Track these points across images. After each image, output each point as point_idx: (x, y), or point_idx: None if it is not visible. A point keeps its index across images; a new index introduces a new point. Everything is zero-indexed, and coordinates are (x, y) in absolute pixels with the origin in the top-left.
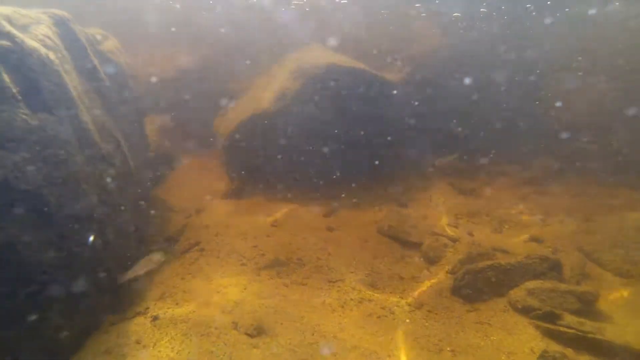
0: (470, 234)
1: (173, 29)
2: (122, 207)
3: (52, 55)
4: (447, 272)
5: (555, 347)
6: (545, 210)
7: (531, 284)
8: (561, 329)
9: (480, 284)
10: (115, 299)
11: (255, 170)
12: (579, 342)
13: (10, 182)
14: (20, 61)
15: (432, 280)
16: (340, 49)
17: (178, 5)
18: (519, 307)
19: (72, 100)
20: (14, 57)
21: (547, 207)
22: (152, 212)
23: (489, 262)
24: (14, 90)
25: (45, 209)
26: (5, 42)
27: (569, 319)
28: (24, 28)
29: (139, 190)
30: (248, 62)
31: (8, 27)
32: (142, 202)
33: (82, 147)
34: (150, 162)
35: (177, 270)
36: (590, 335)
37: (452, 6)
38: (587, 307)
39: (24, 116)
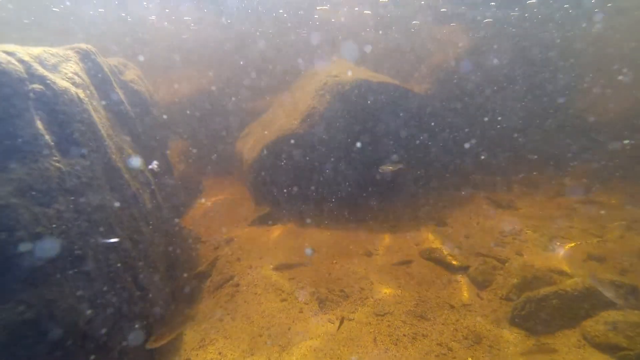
0: (520, 254)
1: (190, 50)
2: (153, 248)
3: (81, 94)
4: (501, 298)
5: None
6: (598, 223)
7: (610, 316)
8: None
9: (545, 313)
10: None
11: (283, 193)
12: None
13: (45, 240)
14: (53, 104)
15: (486, 309)
16: (362, 61)
17: (191, 23)
18: (599, 342)
19: (101, 140)
20: (47, 101)
21: (599, 218)
22: (180, 244)
23: (551, 289)
24: (47, 138)
25: (85, 267)
26: (38, 86)
27: None
28: (54, 67)
29: (167, 222)
30: (267, 79)
31: (40, 70)
32: (170, 235)
33: (114, 188)
34: (174, 189)
35: (213, 309)
36: None
37: (483, 11)
38: None
39: (57, 164)
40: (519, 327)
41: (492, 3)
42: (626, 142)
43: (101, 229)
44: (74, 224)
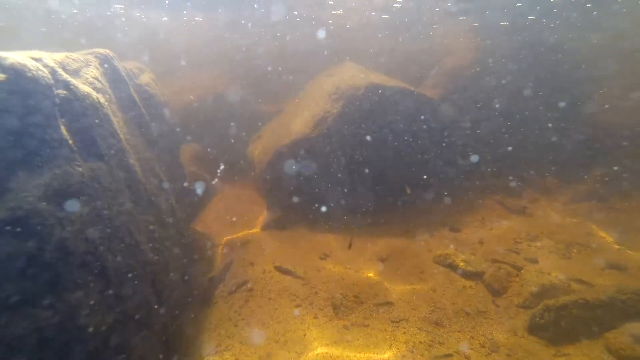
0: (535, 261)
1: (204, 53)
2: (169, 252)
3: (102, 99)
4: (517, 305)
5: None
6: (617, 229)
7: (635, 327)
8: None
9: (565, 323)
10: (167, 350)
11: (295, 198)
12: None
13: (68, 246)
14: (76, 109)
15: (503, 317)
16: (376, 65)
17: (204, 22)
18: (624, 355)
19: (120, 144)
20: (70, 106)
21: (617, 225)
22: (194, 248)
23: (571, 298)
24: (71, 142)
25: (105, 272)
26: (62, 92)
27: None
28: (75, 72)
29: (181, 226)
30: (280, 83)
31: (65, 75)
32: (184, 239)
33: (133, 193)
34: (187, 192)
35: (228, 314)
36: None
37: (498, 17)
38: None
39: (79, 169)
40: (538, 336)
41: (519, 4)
42: None
43: (120, 234)
44: (96, 229)
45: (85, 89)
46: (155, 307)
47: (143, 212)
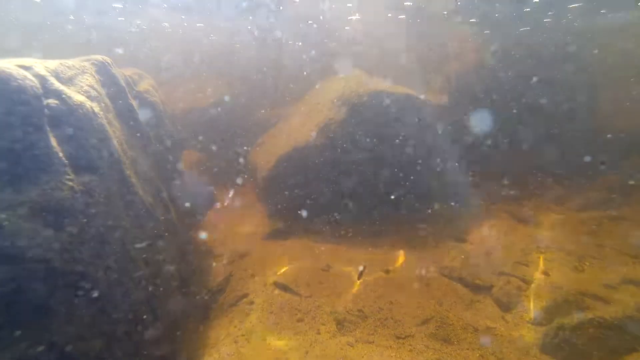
0: (546, 274)
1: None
2: (167, 265)
3: (96, 108)
4: (528, 322)
5: None
6: (630, 241)
7: None
8: None
9: (581, 343)
10: None
11: (298, 207)
12: None
13: (57, 267)
14: (68, 120)
15: (513, 334)
16: (380, 71)
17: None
18: None
19: (116, 155)
20: (62, 117)
21: (630, 236)
22: (194, 259)
23: (587, 315)
24: (61, 155)
25: (94, 293)
26: (53, 101)
27: None
28: (70, 80)
29: (180, 236)
30: (281, 89)
31: (56, 84)
32: (183, 249)
33: (127, 205)
34: (188, 201)
35: (227, 329)
36: None
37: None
38: None
39: (70, 183)
40: (552, 356)
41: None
42: None
43: (114, 250)
44: (86, 246)
45: (79, 98)
46: (151, 325)
47: (139, 225)
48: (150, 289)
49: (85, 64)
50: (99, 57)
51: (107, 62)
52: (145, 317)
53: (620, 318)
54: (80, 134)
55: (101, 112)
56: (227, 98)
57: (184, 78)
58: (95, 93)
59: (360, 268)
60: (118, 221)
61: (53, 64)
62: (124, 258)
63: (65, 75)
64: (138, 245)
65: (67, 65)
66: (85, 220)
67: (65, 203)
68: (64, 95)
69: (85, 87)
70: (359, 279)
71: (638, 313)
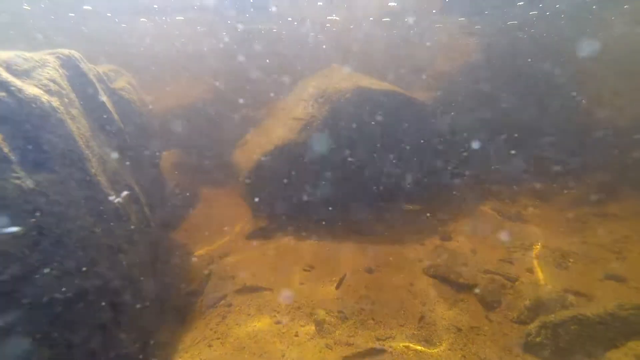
0: (531, 271)
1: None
2: (137, 268)
3: (55, 102)
4: (511, 320)
5: None
6: (614, 238)
7: (639, 346)
8: None
9: (563, 341)
10: None
11: (281, 206)
12: None
13: None
14: (17, 114)
15: (497, 333)
16: (365, 68)
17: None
18: None
19: (78, 152)
20: (9, 111)
21: (615, 232)
22: (171, 260)
23: (569, 313)
24: (6, 150)
25: (44, 298)
26: (0, 94)
27: None
28: (25, 73)
29: (156, 237)
30: (265, 87)
31: (4, 75)
32: (159, 251)
33: (90, 205)
34: (168, 201)
35: (203, 331)
36: None
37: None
38: None
39: (16, 181)
40: (534, 355)
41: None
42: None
43: (71, 253)
44: (37, 250)
45: (33, 91)
46: (115, 336)
47: (106, 227)
48: (116, 295)
49: (49, 57)
50: (65, 51)
51: (75, 57)
52: (110, 327)
53: (602, 315)
54: (33, 129)
55: (61, 107)
56: (211, 96)
57: (167, 76)
58: (56, 87)
59: (340, 278)
60: (78, 222)
61: (6, 55)
62: (85, 261)
63: (21, 67)
64: (103, 248)
65: (24, 57)
66: (33, 220)
67: (9, 201)
68: (12, 88)
69: (45, 81)
70: (337, 288)
71: (619, 310)
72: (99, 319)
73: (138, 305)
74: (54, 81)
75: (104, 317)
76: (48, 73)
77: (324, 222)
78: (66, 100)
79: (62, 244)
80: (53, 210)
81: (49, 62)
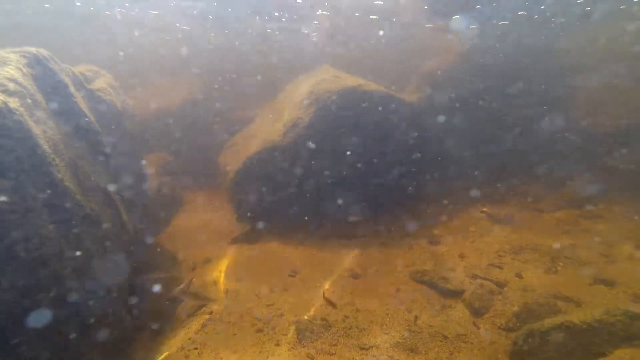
0: (519, 276)
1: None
2: (109, 277)
3: (14, 103)
4: (499, 328)
5: None
6: (604, 240)
7: (627, 354)
8: None
9: (550, 349)
10: None
11: (267, 209)
12: None
13: None
14: None
15: (484, 341)
16: (352, 67)
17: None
18: None
19: (41, 156)
20: None
21: (605, 235)
22: (151, 266)
23: (557, 320)
24: None
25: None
26: None
27: None
28: None
29: (134, 243)
30: (254, 88)
31: None
32: (139, 257)
33: (54, 212)
34: (151, 205)
35: (181, 340)
36: None
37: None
38: None
39: None
40: None
41: None
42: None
43: (28, 264)
44: None
45: None
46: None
47: (74, 234)
48: (87, 309)
49: (11, 55)
50: (32, 49)
51: (43, 55)
52: (77, 344)
53: (589, 322)
54: None
55: (21, 108)
56: (199, 97)
57: (154, 77)
58: (16, 87)
59: (326, 286)
60: (39, 230)
61: None
62: (45, 274)
63: None
64: (68, 257)
65: None
66: None
67: None
68: None
69: (3, 80)
70: (325, 296)
71: (607, 316)
72: (67, 331)
73: (110, 314)
74: (13, 80)
75: (70, 331)
76: (7, 72)
77: (310, 226)
78: (29, 101)
79: (15, 257)
80: (7, 219)
81: (10, 61)
